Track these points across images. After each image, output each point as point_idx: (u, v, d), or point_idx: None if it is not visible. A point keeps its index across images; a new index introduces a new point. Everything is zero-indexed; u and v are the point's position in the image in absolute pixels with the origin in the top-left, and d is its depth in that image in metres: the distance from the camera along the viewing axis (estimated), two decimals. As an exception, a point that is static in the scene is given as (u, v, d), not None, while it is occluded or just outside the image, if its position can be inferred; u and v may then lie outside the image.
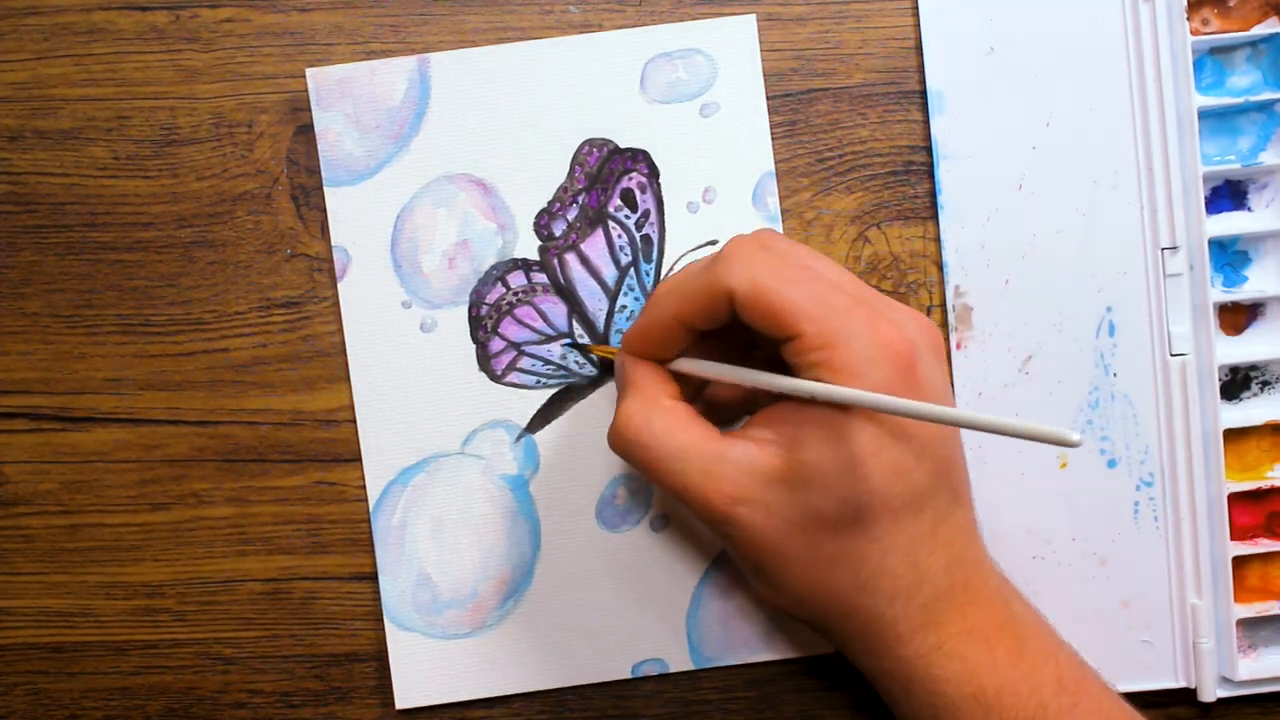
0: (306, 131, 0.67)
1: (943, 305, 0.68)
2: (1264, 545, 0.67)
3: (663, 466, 0.57)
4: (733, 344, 0.62)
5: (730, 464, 0.56)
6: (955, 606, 0.57)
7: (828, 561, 0.56)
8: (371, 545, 0.68)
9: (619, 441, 0.59)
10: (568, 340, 0.68)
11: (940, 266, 0.68)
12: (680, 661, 0.68)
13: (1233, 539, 0.67)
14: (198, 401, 0.68)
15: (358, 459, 0.68)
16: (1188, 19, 0.65)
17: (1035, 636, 0.58)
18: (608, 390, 0.68)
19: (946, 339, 0.68)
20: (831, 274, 0.57)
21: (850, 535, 0.56)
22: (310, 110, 0.67)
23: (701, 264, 0.58)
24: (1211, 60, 0.67)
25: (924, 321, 0.58)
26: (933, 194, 0.68)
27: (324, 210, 0.67)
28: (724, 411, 0.65)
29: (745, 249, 0.57)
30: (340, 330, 0.68)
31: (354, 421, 0.68)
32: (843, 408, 0.55)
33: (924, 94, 0.68)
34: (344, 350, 0.68)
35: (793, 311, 0.54)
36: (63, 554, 0.68)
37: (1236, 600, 0.67)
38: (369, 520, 0.68)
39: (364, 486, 0.68)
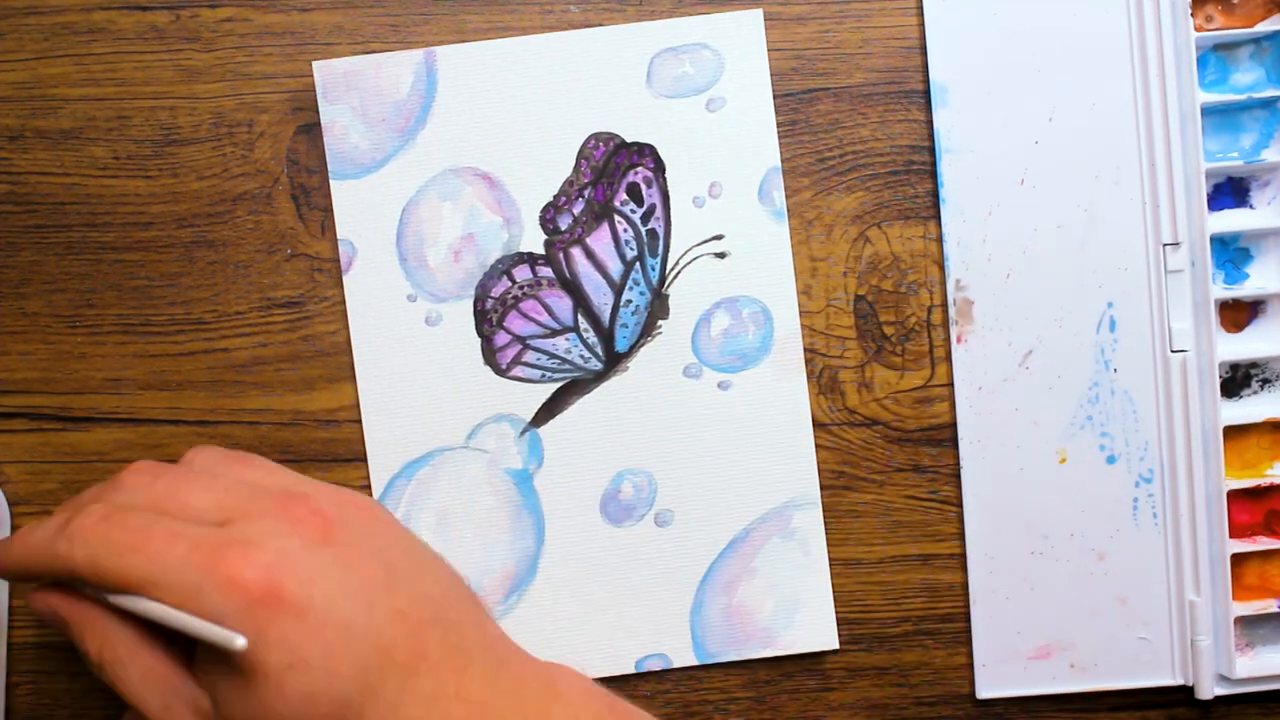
0: (307, 131, 0.67)
1: (943, 304, 0.68)
2: (1263, 543, 0.67)
3: (132, 695, 0.53)
4: None
5: (185, 695, 0.53)
6: None
7: None
8: (372, 545, 0.68)
9: (102, 673, 0.55)
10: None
11: (940, 265, 0.68)
12: (683, 657, 0.68)
13: (1231, 536, 0.67)
14: (198, 402, 0.68)
15: (358, 459, 0.68)
16: (1191, 15, 0.66)
17: None
18: (613, 384, 0.68)
19: (946, 338, 0.68)
20: (180, 507, 0.54)
21: None
22: (312, 108, 0.67)
23: (38, 532, 0.54)
24: (1215, 57, 0.68)
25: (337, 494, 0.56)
26: (933, 193, 0.68)
27: (324, 210, 0.67)
28: None
29: (86, 527, 0.53)
30: (341, 330, 0.68)
31: (354, 421, 0.68)
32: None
33: (925, 93, 0.68)
34: (345, 350, 0.68)
35: (142, 582, 0.51)
36: (63, 554, 0.68)
37: (1235, 598, 0.67)
38: (370, 519, 0.68)
39: (365, 486, 0.68)
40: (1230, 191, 0.68)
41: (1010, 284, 0.67)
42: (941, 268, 0.68)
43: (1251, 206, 0.68)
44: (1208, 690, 0.67)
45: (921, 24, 0.67)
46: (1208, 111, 0.66)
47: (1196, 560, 0.67)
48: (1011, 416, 0.68)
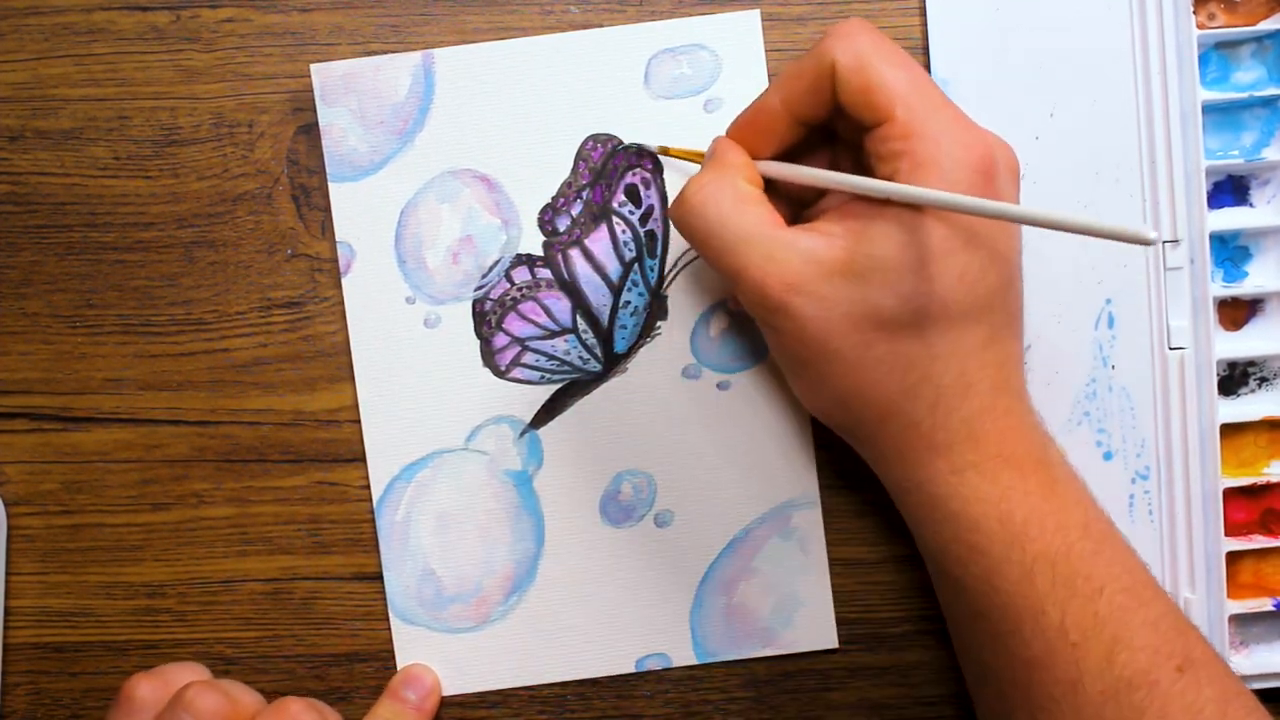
0: (307, 131, 0.67)
1: (943, 302, 0.68)
2: (1258, 541, 0.67)
3: (722, 244, 0.57)
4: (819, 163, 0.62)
5: (793, 251, 0.55)
6: (996, 429, 0.57)
7: (875, 361, 0.56)
8: (372, 545, 0.68)
9: (682, 210, 0.58)
10: (650, 148, 0.68)
11: (940, 264, 0.68)
12: (684, 656, 0.68)
13: (1227, 534, 0.67)
14: (198, 401, 0.68)
15: (358, 459, 0.68)
16: (1194, 13, 0.66)
17: (1068, 480, 0.58)
18: (612, 386, 0.68)
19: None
20: (927, 76, 0.57)
21: (902, 337, 0.55)
22: (312, 108, 0.67)
23: (806, 52, 0.58)
24: (1217, 55, 0.68)
25: (1007, 146, 0.58)
26: (935, 188, 0.68)
27: (324, 210, 0.67)
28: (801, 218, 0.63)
29: (852, 27, 0.56)
30: (341, 330, 0.68)
31: (355, 422, 0.68)
32: (916, 208, 0.54)
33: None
34: (345, 350, 0.68)
35: (889, 93, 0.54)
36: (63, 554, 0.68)
37: (1229, 596, 0.67)
38: (370, 519, 0.68)
39: (365, 487, 0.68)
40: (1230, 189, 0.68)
41: (1010, 282, 0.67)
42: (941, 266, 0.68)
43: (1251, 205, 0.68)
44: (1207, 689, 0.67)
45: (924, 22, 0.67)
46: (1208, 109, 0.66)
47: (1192, 558, 0.67)
48: (1010, 414, 0.68)
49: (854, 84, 0.55)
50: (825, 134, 0.61)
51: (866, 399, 0.57)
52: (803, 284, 0.55)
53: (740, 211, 0.57)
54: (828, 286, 0.55)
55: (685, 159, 0.67)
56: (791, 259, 0.55)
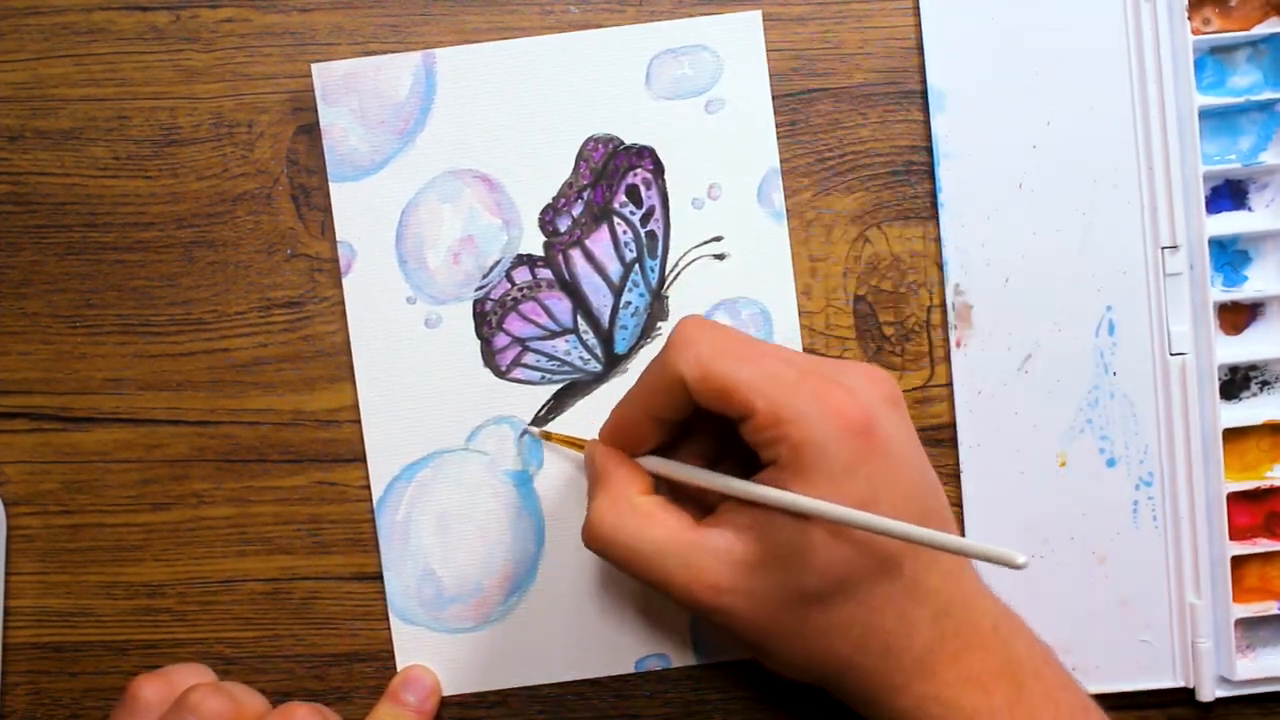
0: (307, 131, 0.68)
1: (942, 304, 0.68)
2: (1263, 545, 0.67)
3: (640, 564, 0.58)
4: (708, 432, 0.63)
5: (709, 554, 0.57)
6: (948, 654, 0.57)
7: (818, 631, 0.56)
8: (372, 545, 0.68)
9: (593, 542, 0.59)
10: (524, 429, 0.68)
11: (940, 266, 0.68)
12: (683, 657, 0.69)
13: (1231, 539, 0.67)
14: (198, 401, 0.68)
15: (358, 459, 0.68)
16: (1189, 18, 0.66)
17: (1034, 679, 0.58)
18: (613, 386, 0.68)
19: (945, 338, 0.68)
20: (776, 349, 0.58)
21: (834, 604, 0.56)
22: (312, 108, 0.67)
23: (653, 360, 0.59)
24: (1212, 60, 0.68)
25: (877, 374, 0.58)
26: (933, 193, 0.68)
27: (324, 210, 0.67)
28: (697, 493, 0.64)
29: (689, 332, 0.57)
30: (341, 330, 0.68)
31: (355, 422, 0.68)
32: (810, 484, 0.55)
33: (924, 94, 0.68)
34: (345, 350, 0.68)
35: (742, 390, 0.55)
36: (63, 554, 0.68)
37: (1235, 600, 0.67)
38: (370, 520, 0.68)
39: (364, 486, 0.68)
40: (1228, 194, 0.68)
41: (1009, 288, 0.67)
42: (941, 268, 0.68)
43: (1250, 209, 0.68)
44: (1208, 692, 0.67)
45: (919, 32, 0.67)
46: (1205, 114, 0.66)
47: (1197, 562, 0.67)
48: (1011, 420, 0.68)
49: (706, 392, 0.56)
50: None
51: (822, 663, 0.58)
52: (727, 584, 0.56)
53: (647, 528, 0.58)
54: (751, 580, 0.56)
55: (565, 445, 0.68)
56: (710, 562, 0.57)
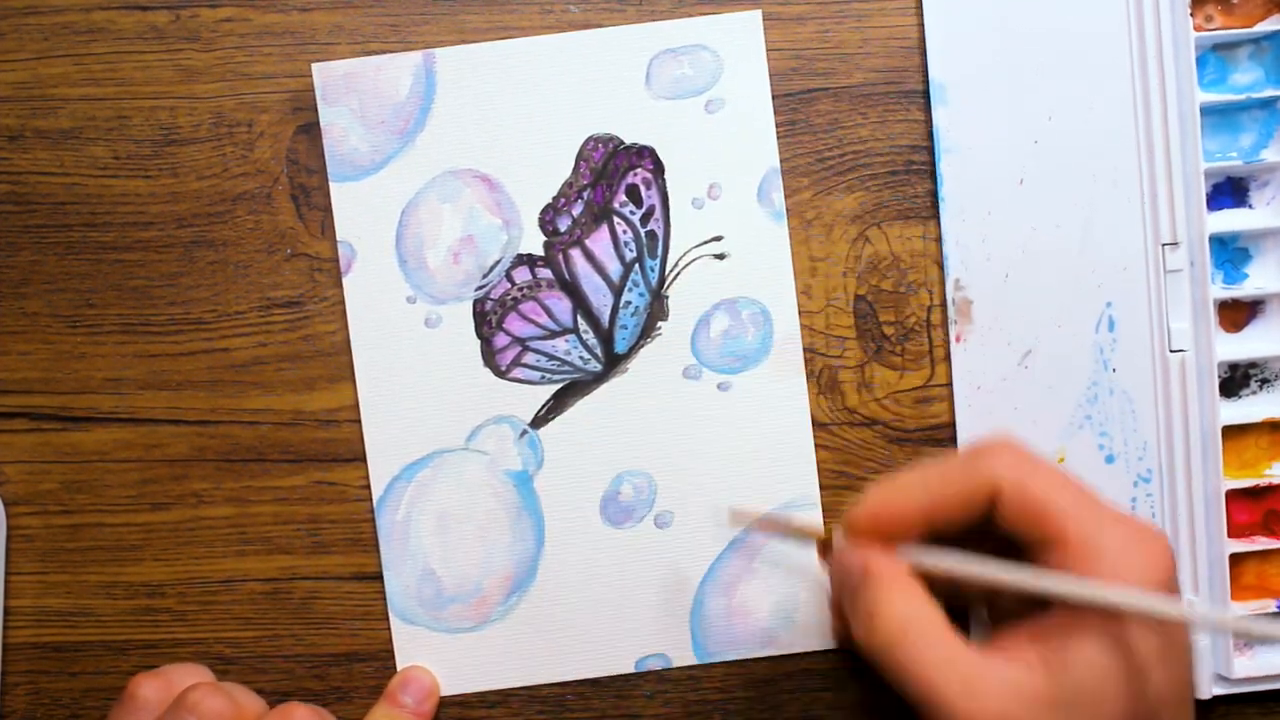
0: (307, 131, 0.68)
1: (943, 304, 0.68)
2: (1261, 543, 0.67)
3: (923, 679, 0.53)
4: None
5: (994, 682, 0.52)
6: None
7: None
8: (372, 545, 0.68)
9: (882, 642, 0.54)
10: (731, 511, 0.67)
11: (940, 265, 0.68)
12: (683, 656, 0.68)
13: (1230, 536, 0.67)
14: (198, 401, 0.68)
15: (358, 459, 0.68)
16: (1191, 15, 0.66)
17: None
18: (613, 386, 0.68)
19: (945, 338, 0.68)
20: (1085, 485, 0.56)
21: None
22: (312, 108, 0.67)
23: (952, 459, 0.56)
24: (1214, 56, 0.68)
25: (1165, 537, 0.55)
26: (933, 192, 0.68)
27: (324, 210, 0.67)
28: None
29: (1006, 449, 0.55)
30: (341, 330, 0.68)
31: (355, 421, 0.68)
32: (1117, 620, 0.52)
33: (925, 93, 0.68)
34: (345, 350, 0.68)
35: (1059, 515, 0.53)
36: (63, 554, 0.68)
37: (1233, 598, 0.67)
38: (370, 519, 0.68)
39: (364, 486, 0.68)
40: (1229, 191, 0.68)
41: (1009, 284, 0.67)
42: (941, 267, 0.68)
43: (1250, 206, 0.68)
44: (1206, 690, 0.67)
45: (921, 24, 0.67)
46: (1207, 111, 0.66)
47: (1195, 560, 0.67)
48: (1010, 416, 0.68)
49: (1019, 508, 0.54)
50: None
51: None
52: (1011, 717, 0.52)
53: (938, 640, 0.54)
54: (1038, 718, 0.52)
55: (792, 534, 0.66)
56: (994, 689, 0.52)
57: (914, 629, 0.54)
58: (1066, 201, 0.67)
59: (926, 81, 0.68)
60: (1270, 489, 0.68)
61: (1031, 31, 0.67)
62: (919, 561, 0.56)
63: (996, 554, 0.55)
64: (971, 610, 0.66)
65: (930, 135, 0.68)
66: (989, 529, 0.56)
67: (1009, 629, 0.56)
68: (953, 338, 0.68)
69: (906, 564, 0.56)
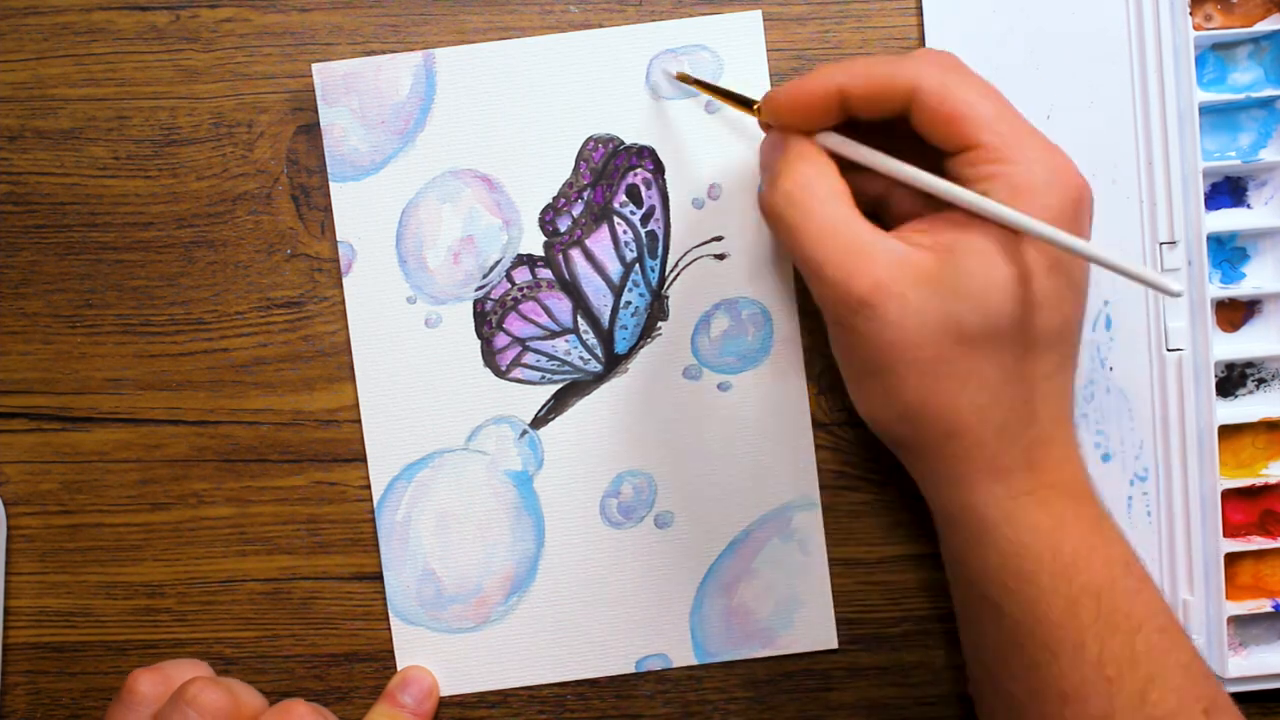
0: (307, 131, 0.68)
1: (941, 303, 0.68)
2: (1257, 543, 0.67)
3: (811, 238, 0.56)
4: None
5: (883, 251, 0.55)
6: (1053, 459, 0.57)
7: (949, 376, 0.55)
8: (372, 545, 0.68)
9: (780, 201, 0.57)
10: (677, 74, 0.67)
11: (939, 264, 0.68)
12: (683, 657, 0.69)
13: (1226, 536, 0.67)
14: (198, 401, 0.68)
15: (358, 459, 0.68)
16: (1190, 14, 0.66)
17: (1110, 516, 0.58)
18: (613, 386, 0.68)
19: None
20: (1014, 106, 0.57)
21: (980, 355, 0.54)
22: (312, 108, 0.67)
23: (882, 55, 0.58)
24: (1214, 56, 0.68)
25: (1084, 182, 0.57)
26: (932, 192, 0.68)
27: (324, 210, 0.67)
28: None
29: (937, 56, 0.57)
30: (341, 330, 0.68)
31: (355, 421, 0.68)
32: (1013, 230, 0.54)
33: (923, 92, 0.68)
34: (345, 350, 0.68)
35: (976, 120, 0.54)
36: (63, 554, 0.68)
37: (1228, 597, 0.67)
38: (370, 519, 0.68)
39: (364, 486, 0.68)
40: (1228, 191, 0.68)
41: (1008, 283, 0.67)
42: (940, 267, 0.68)
43: (1249, 206, 0.68)
44: (1204, 689, 0.68)
45: (921, 24, 0.67)
46: (1206, 111, 0.67)
47: (1190, 559, 0.67)
48: (1009, 416, 0.68)
49: (937, 110, 0.55)
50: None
51: (934, 414, 0.56)
52: (890, 285, 0.54)
53: (832, 205, 0.56)
54: (915, 292, 0.54)
55: (725, 101, 0.65)
56: (881, 257, 0.54)
57: (811, 191, 0.56)
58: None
59: (926, 81, 0.68)
60: (1266, 488, 0.68)
61: (1031, 31, 0.67)
62: (831, 146, 0.58)
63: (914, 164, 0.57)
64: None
65: (929, 135, 0.68)
66: (910, 136, 0.57)
67: (910, 222, 0.58)
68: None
69: (826, 154, 0.58)
